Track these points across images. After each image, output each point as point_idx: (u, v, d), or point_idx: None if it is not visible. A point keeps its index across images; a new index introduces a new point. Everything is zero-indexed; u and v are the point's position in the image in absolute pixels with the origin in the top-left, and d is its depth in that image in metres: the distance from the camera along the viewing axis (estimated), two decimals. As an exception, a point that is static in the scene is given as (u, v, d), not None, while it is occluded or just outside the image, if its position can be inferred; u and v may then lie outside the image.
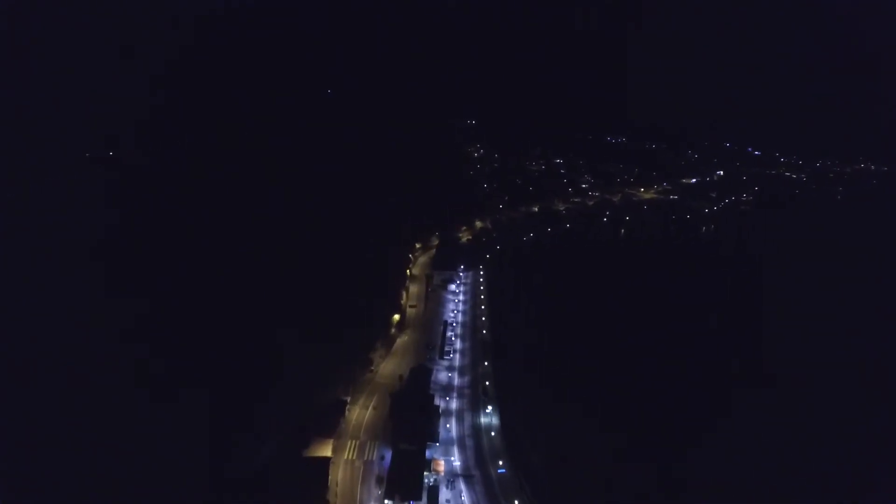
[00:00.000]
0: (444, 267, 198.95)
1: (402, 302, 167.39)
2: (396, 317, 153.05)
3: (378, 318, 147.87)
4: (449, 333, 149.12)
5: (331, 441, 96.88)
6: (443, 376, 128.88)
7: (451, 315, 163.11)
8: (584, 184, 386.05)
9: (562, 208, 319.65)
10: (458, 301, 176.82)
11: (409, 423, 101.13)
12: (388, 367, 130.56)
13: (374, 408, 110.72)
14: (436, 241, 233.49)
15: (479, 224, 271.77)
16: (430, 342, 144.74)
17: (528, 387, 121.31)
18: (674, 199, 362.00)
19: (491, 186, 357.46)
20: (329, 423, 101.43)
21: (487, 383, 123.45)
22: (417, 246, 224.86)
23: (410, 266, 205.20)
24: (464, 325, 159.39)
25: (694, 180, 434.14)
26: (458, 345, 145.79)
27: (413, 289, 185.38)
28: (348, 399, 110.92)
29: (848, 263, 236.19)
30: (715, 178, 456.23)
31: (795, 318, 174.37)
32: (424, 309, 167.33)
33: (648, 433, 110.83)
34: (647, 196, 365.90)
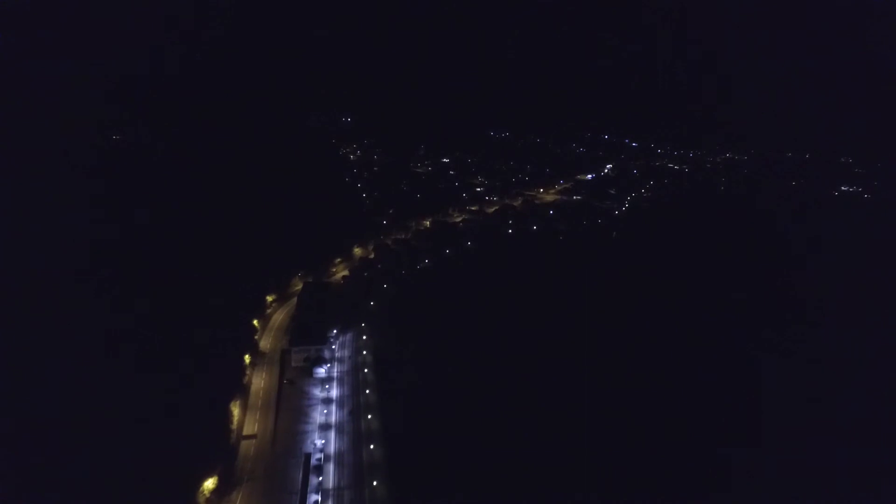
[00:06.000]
0: (307, 337, 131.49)
1: (232, 427, 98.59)
2: (210, 483, 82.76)
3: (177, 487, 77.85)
4: (313, 498, 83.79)
5: None
6: None
7: (317, 442, 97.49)
8: (479, 186, 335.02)
9: (458, 220, 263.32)
10: (330, 402, 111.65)
11: None
12: None
13: None
14: (298, 286, 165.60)
15: (358, 252, 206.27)
16: (278, 523, 78.99)
17: None
18: (578, 199, 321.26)
19: (372, 196, 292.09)
20: None
21: None
22: (270, 299, 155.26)
23: (257, 337, 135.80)
24: (339, 461, 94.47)
25: (590, 176, 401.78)
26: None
27: (257, 383, 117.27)
28: None
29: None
30: (608, 172, 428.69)
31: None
32: (273, 434, 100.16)
33: None
34: (550, 198, 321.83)
